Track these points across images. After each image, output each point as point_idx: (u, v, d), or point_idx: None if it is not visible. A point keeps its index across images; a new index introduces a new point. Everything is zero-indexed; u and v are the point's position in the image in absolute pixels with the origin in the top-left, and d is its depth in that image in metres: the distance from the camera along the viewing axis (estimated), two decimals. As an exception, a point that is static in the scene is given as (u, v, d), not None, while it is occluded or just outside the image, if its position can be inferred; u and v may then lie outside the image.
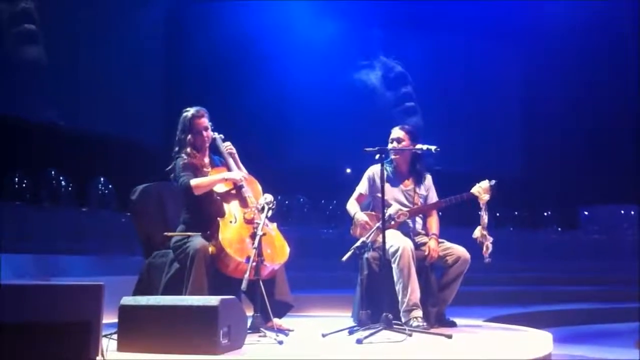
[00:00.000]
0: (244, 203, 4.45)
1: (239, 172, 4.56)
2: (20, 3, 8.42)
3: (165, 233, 4.45)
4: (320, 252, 8.39)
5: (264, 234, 4.13)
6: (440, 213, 5.14)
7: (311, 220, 10.47)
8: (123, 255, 7.01)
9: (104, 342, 3.27)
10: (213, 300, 3.44)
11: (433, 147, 4.57)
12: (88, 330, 2.74)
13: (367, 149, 4.43)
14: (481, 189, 4.76)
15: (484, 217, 4.72)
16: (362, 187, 4.98)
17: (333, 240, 9.13)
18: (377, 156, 4.42)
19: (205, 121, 4.52)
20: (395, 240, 4.61)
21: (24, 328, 2.66)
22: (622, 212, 11.78)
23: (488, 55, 12.79)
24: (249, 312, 4.03)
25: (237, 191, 4.50)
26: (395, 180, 4.95)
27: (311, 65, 11.50)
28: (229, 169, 4.59)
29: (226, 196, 4.46)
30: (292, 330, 4.38)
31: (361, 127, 10.59)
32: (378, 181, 4.70)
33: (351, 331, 4.17)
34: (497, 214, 10.65)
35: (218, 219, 4.34)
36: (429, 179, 5.04)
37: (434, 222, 4.93)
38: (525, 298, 8.20)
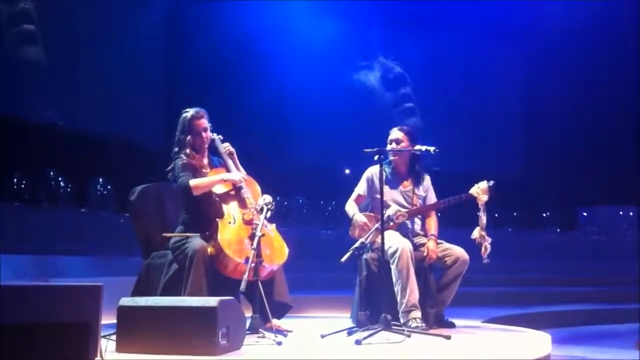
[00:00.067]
0: (242, 204, 4.46)
1: (238, 173, 4.57)
2: (19, 3, 8.40)
3: (164, 234, 4.45)
4: (319, 253, 8.36)
5: (263, 235, 4.12)
6: (439, 214, 5.15)
7: (310, 221, 10.46)
8: (122, 256, 6.99)
9: (103, 342, 3.28)
10: (212, 301, 3.44)
11: (432, 148, 4.58)
12: (87, 331, 2.74)
13: (366, 150, 4.43)
14: (480, 190, 4.76)
15: (483, 218, 4.73)
16: (361, 188, 4.98)
17: (332, 241, 9.12)
18: (376, 157, 4.41)
19: (204, 122, 4.52)
20: (394, 241, 4.61)
21: (22, 329, 2.65)
22: (621, 213, 11.75)
23: (488, 55, 12.78)
24: (248, 313, 4.02)
25: (236, 192, 4.50)
26: (394, 181, 4.95)
27: (311, 65, 11.49)
28: (228, 170, 4.59)
29: (225, 197, 4.47)
30: (291, 331, 4.38)
31: (360, 127, 10.58)
32: (377, 182, 4.71)
33: (350, 332, 4.17)
34: (496, 215, 10.64)
35: (217, 219, 4.34)
36: (427, 179, 5.04)
37: (432, 223, 4.93)
38: (524, 299, 8.18)
